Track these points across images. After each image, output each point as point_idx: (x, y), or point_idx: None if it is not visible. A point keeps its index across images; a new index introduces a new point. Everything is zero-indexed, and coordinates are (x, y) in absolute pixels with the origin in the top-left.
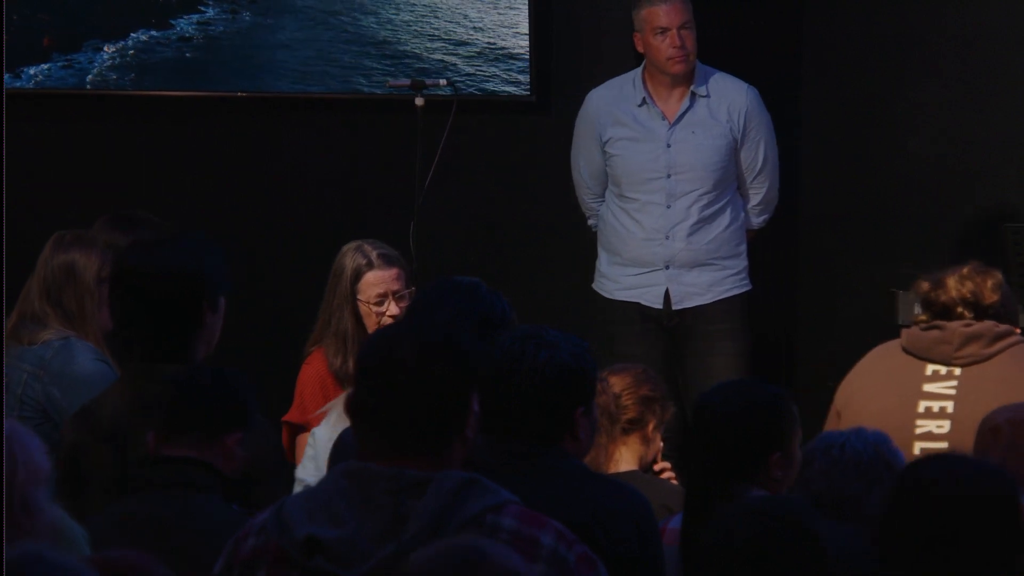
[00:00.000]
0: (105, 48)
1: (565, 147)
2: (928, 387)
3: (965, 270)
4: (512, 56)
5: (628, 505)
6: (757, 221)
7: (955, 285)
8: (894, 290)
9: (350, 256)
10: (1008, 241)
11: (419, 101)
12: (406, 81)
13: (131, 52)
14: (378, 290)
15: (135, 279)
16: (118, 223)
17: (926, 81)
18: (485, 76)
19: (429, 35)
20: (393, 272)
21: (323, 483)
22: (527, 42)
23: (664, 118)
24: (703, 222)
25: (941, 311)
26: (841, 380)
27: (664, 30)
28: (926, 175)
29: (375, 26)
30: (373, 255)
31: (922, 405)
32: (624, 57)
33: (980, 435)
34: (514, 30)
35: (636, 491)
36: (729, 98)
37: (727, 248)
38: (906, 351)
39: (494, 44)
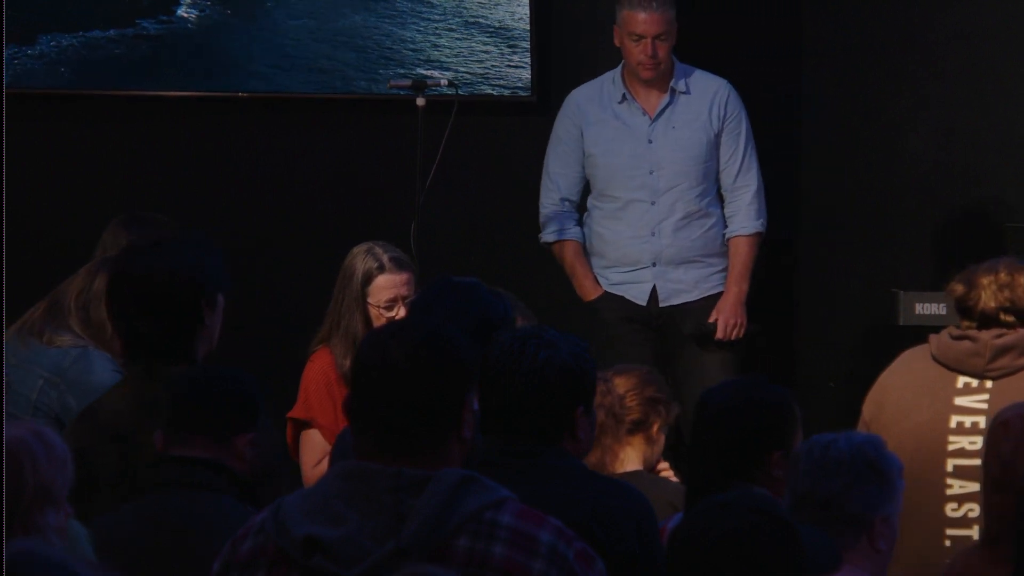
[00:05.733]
0: (63, 43)
1: None
2: (960, 400)
3: (1002, 274)
4: (514, 56)
5: (628, 504)
6: (756, 224)
7: (993, 293)
8: (894, 290)
9: (361, 258)
10: (1008, 241)
11: (420, 101)
12: (407, 81)
13: (90, 48)
14: (388, 294)
15: (134, 281)
16: (130, 225)
17: (926, 80)
18: (486, 76)
19: (430, 34)
20: (404, 276)
21: (321, 483)
22: (528, 42)
23: (645, 113)
24: (689, 218)
25: (981, 319)
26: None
27: (640, 37)
28: (926, 175)
29: (375, 25)
30: (385, 259)
31: (954, 420)
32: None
33: (991, 430)
34: (515, 30)
35: (636, 490)
36: (709, 93)
37: (714, 246)
38: (935, 360)
39: (496, 44)
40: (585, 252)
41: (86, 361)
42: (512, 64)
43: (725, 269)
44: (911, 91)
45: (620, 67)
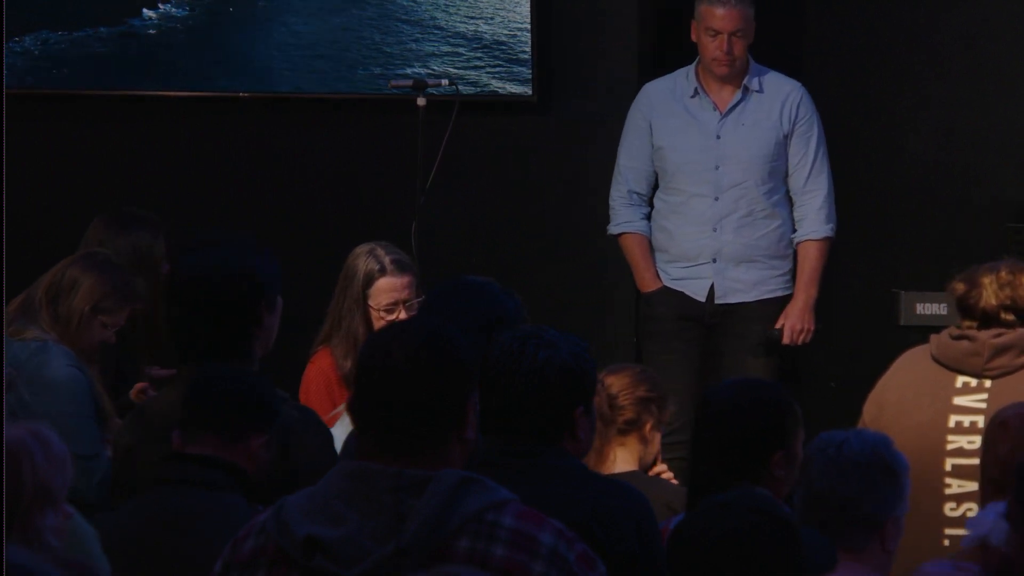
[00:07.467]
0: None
1: (567, 147)
2: (959, 400)
3: (1003, 272)
4: (514, 56)
5: (628, 504)
6: (826, 228)
7: (994, 291)
8: (894, 290)
9: (363, 260)
10: (1010, 241)
11: (421, 101)
12: (408, 81)
13: (87, 47)
14: (389, 298)
15: (193, 282)
16: (114, 222)
17: (929, 81)
18: (487, 76)
19: (431, 34)
20: (405, 280)
21: (323, 483)
22: (529, 42)
23: (716, 108)
24: (752, 216)
25: (982, 318)
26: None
27: (716, 33)
28: (926, 175)
29: (374, 24)
30: (386, 261)
31: (953, 420)
32: (627, 58)
33: (989, 430)
34: (516, 30)
35: (636, 490)
36: (782, 94)
37: (778, 247)
38: (935, 360)
39: (496, 44)
40: (651, 247)
41: (43, 355)
42: (512, 64)
43: (786, 273)
44: (913, 91)
45: (695, 62)
